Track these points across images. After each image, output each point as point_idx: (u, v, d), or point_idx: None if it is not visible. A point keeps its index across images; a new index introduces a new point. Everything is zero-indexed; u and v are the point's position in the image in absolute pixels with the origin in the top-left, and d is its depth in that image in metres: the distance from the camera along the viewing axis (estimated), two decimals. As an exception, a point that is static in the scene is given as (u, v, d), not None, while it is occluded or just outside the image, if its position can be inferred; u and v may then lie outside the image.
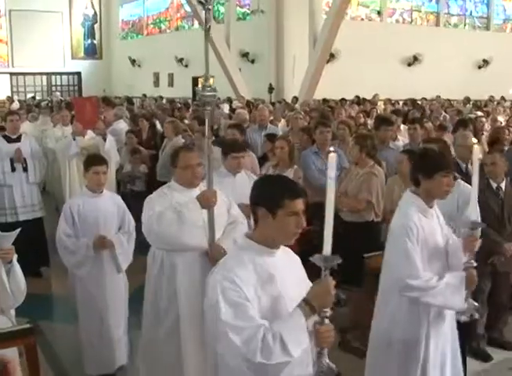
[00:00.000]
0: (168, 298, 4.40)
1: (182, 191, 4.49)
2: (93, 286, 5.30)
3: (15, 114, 8.47)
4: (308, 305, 2.62)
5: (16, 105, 21.81)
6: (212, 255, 4.25)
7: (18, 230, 3.91)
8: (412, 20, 28.66)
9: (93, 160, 5.38)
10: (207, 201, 4.22)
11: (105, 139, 8.42)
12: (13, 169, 7.87)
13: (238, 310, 2.58)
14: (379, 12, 27.59)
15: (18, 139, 8.07)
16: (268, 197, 2.81)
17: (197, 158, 4.56)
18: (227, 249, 4.15)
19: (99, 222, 5.26)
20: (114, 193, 6.28)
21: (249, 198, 2.93)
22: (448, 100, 19.42)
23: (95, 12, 35.89)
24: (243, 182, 5.58)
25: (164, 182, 9.22)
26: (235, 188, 5.36)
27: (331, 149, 2.94)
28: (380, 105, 18.43)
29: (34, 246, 7.75)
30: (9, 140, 8.03)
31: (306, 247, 6.30)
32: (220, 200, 4.37)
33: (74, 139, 8.35)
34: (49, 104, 21.69)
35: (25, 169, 7.96)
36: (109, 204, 5.39)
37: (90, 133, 8.78)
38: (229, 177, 5.72)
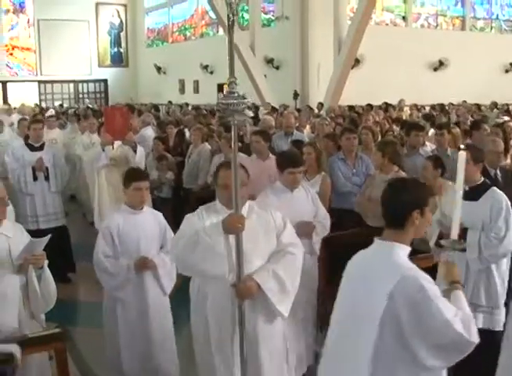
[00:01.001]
0: (203, 326, 4.04)
1: (221, 212, 3.98)
2: (135, 310, 4.94)
3: (38, 123, 8.40)
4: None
5: (51, 113, 21.98)
6: (238, 290, 3.76)
7: (49, 236, 3.98)
8: (437, 25, 28.46)
9: (134, 176, 5.03)
10: (231, 226, 3.71)
11: (135, 150, 8.13)
12: (35, 178, 7.87)
13: None
14: (404, 17, 27.46)
15: (41, 148, 8.05)
16: None
17: None
18: (262, 283, 3.82)
19: (139, 242, 4.91)
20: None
21: None
22: (477, 105, 19.20)
23: (122, 21, 36.22)
24: (301, 198, 5.37)
25: (190, 189, 9.35)
26: (292, 204, 5.15)
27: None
28: (406, 110, 18.35)
29: (60, 253, 7.66)
30: (32, 148, 8.02)
31: (334, 250, 6.33)
32: (266, 224, 4.01)
33: (103, 150, 8.07)
34: (76, 112, 21.97)
35: (47, 178, 7.96)
36: (151, 221, 5.03)
37: (117, 142, 8.64)
38: (286, 193, 5.33)
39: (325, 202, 6.69)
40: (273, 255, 3.99)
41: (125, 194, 5.00)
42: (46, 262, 4.02)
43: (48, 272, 4.02)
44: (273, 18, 25.49)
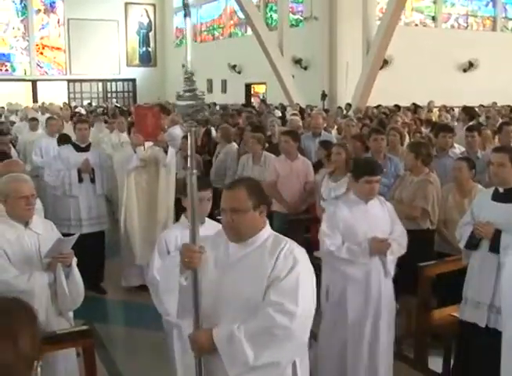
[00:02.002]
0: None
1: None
2: None
3: (84, 122, 8.09)
4: None
5: (80, 111, 22.14)
6: (192, 341, 3.01)
7: (77, 235, 4.01)
8: (467, 25, 28.17)
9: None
10: (185, 259, 2.98)
11: (166, 151, 7.54)
12: (80, 180, 7.56)
13: None
14: (434, 18, 27.23)
15: (87, 148, 7.78)
16: None
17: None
18: (216, 341, 2.89)
19: None
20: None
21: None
22: (509, 106, 18.94)
23: (150, 21, 36.47)
24: (376, 211, 4.85)
25: (217, 189, 9.26)
26: (366, 218, 4.74)
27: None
28: (435, 112, 18.20)
29: (94, 260, 7.42)
30: (77, 149, 7.74)
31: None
32: (259, 265, 2.98)
33: (135, 152, 7.49)
34: (104, 111, 22.15)
35: (92, 180, 7.63)
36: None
37: (148, 142, 8.07)
38: (359, 204, 4.78)
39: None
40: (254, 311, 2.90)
41: (184, 205, 4.16)
42: (75, 260, 4.04)
43: (76, 270, 4.06)
44: (302, 18, 25.46)
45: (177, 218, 5.96)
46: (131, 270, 7.65)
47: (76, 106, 25.44)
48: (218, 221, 3.42)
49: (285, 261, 2.95)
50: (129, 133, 7.68)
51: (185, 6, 3.02)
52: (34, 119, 12.90)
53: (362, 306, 4.76)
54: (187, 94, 3.19)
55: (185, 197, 3.44)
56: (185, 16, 3.02)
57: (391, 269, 4.85)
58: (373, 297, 4.76)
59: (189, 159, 3.03)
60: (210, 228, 3.85)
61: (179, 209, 5.48)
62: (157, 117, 7.57)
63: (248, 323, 2.86)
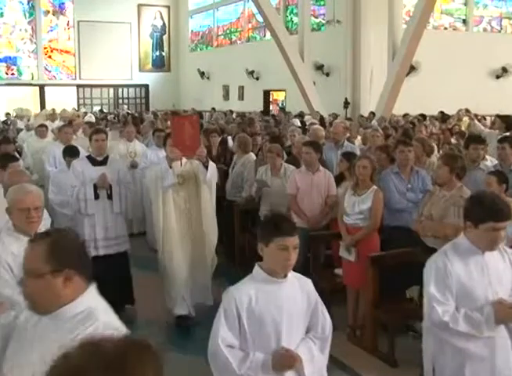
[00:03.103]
0: None
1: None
2: None
3: (101, 133, 7.68)
4: None
5: (89, 117, 22.12)
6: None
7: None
8: (501, 28, 27.99)
9: (281, 229, 3.44)
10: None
11: (206, 166, 6.85)
12: (97, 196, 7.25)
13: None
14: (464, 21, 27.10)
15: (104, 162, 7.48)
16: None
17: None
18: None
19: (280, 324, 3.53)
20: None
21: None
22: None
23: (164, 23, 36.72)
24: (496, 263, 3.99)
25: (234, 202, 9.20)
26: (485, 273, 3.92)
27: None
28: (465, 121, 18.10)
29: (119, 283, 7.15)
30: (93, 162, 7.43)
31: (383, 269, 6.29)
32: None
33: (171, 167, 6.88)
34: (116, 118, 22.28)
35: (110, 197, 7.33)
36: (296, 292, 3.62)
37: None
38: (475, 254, 3.92)
39: (377, 219, 6.65)
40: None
41: (261, 252, 3.54)
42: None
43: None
44: (324, 22, 25.53)
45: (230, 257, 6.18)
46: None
47: (86, 113, 25.52)
48: None
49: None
50: (164, 146, 7.19)
51: None
52: (43, 125, 13.02)
53: None
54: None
55: (266, 243, 3.45)
56: None
57: None
58: None
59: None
60: (293, 279, 3.65)
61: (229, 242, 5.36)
62: (196, 127, 7.04)
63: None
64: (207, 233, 7.16)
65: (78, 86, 34.60)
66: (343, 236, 6.81)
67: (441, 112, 18.84)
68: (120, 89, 35.70)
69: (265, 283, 3.51)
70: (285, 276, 3.53)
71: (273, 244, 3.41)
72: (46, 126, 13.03)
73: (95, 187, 7.25)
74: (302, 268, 7.56)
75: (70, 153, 8.61)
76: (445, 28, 26.70)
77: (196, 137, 6.86)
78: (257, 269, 3.57)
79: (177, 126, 6.97)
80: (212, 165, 6.96)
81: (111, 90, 35.47)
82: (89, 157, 7.54)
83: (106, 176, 7.26)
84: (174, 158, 6.84)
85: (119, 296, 6.92)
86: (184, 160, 6.96)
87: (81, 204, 7.22)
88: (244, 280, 3.59)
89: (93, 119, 21.31)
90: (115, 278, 6.95)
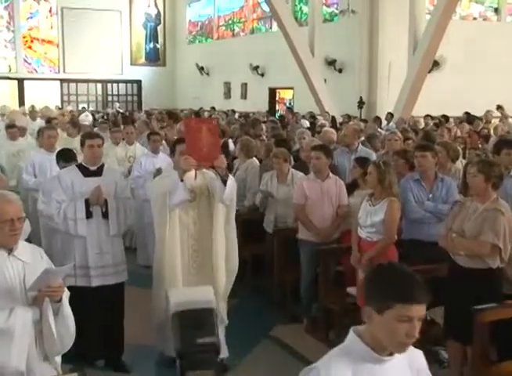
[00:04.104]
0: None
1: None
2: None
3: (96, 138, 6.85)
4: None
5: (85, 117, 21.55)
6: None
7: (71, 265, 4.02)
8: (539, 18, 27.86)
9: (410, 293, 2.70)
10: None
11: (224, 181, 6.27)
12: (89, 215, 6.50)
13: None
14: (496, 10, 26.98)
15: (98, 172, 6.72)
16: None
17: None
18: None
19: None
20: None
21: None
22: None
23: (159, 12, 36.84)
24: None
25: (236, 211, 9.16)
26: None
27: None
28: (495, 122, 18.06)
29: (112, 323, 6.66)
30: (85, 173, 6.66)
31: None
32: None
33: (182, 180, 6.20)
34: (104, 117, 22.27)
35: (105, 215, 6.57)
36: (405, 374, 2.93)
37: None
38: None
39: (391, 231, 6.61)
40: None
41: (367, 320, 2.78)
42: (67, 293, 4.05)
43: (67, 307, 4.02)
44: (337, 12, 25.56)
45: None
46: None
47: (72, 111, 25.07)
48: None
49: None
50: (172, 153, 6.69)
51: None
52: (13, 126, 12.38)
53: None
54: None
55: (380, 308, 2.69)
56: None
57: None
58: None
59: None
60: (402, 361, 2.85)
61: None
62: (216, 134, 6.59)
63: None
64: (218, 264, 6.57)
65: (62, 81, 34.70)
66: (352, 253, 6.83)
67: (467, 113, 18.80)
68: (109, 85, 35.84)
69: (365, 362, 2.78)
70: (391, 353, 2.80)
71: (393, 312, 2.69)
72: (16, 127, 12.37)
73: (88, 203, 6.50)
74: (310, 286, 7.65)
75: (66, 157, 8.08)
76: (474, 18, 26.58)
77: (215, 145, 6.42)
78: (355, 339, 2.82)
79: (193, 132, 6.41)
80: (232, 180, 6.39)
81: (99, 86, 35.58)
82: (80, 167, 6.78)
83: (100, 190, 6.51)
84: (187, 169, 6.21)
85: (112, 343, 6.66)
86: (194, 170, 6.43)
87: (70, 223, 6.48)
88: (335, 354, 2.84)
89: (90, 119, 20.92)
90: (108, 317, 6.57)
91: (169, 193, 6.21)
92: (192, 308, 5.65)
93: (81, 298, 5.38)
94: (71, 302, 4.05)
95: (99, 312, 6.46)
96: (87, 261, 6.50)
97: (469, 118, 17.81)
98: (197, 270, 6.54)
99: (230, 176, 6.38)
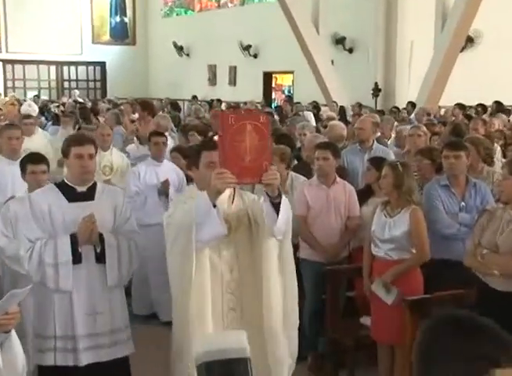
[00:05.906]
0: None
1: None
2: None
3: (87, 144, 5.71)
4: None
5: (28, 107, 20.11)
6: None
7: (29, 287, 4.06)
8: None
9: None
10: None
11: (274, 204, 4.92)
12: (77, 259, 5.50)
13: None
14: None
15: (89, 195, 5.76)
16: None
17: None
18: None
19: None
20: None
21: None
22: None
23: (127, -22, 36.86)
24: None
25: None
26: None
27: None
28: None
29: None
30: (71, 196, 5.67)
31: (425, 317, 6.29)
32: None
33: (215, 206, 4.75)
34: (59, 107, 22.10)
35: (100, 258, 5.59)
36: None
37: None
38: None
39: (423, 246, 6.55)
40: None
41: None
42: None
43: (15, 338, 4.07)
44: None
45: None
46: None
47: (18, 99, 24.68)
48: None
49: None
50: (193, 165, 5.38)
51: None
52: None
53: None
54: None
55: None
56: None
57: None
58: None
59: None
60: None
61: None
62: (266, 135, 5.07)
63: None
64: (272, 327, 5.40)
65: (5, 62, 34.52)
66: (364, 278, 6.82)
67: (497, 102, 18.61)
68: (65, 68, 35.76)
69: None
70: None
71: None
72: None
73: (75, 241, 5.48)
74: (314, 316, 7.63)
75: (34, 159, 6.99)
76: (517, -15, 26.70)
77: (264, 152, 5.02)
78: None
79: (232, 132, 4.96)
80: (286, 204, 5.09)
81: (52, 68, 35.44)
82: (62, 186, 5.79)
83: (93, 221, 5.53)
84: (221, 189, 4.82)
85: None
86: (229, 190, 5.20)
87: (48, 272, 5.45)
88: None
89: (35, 109, 19.97)
90: None
91: (195, 224, 4.89)
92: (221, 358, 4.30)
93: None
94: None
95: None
96: (72, 328, 5.54)
97: (498, 108, 17.70)
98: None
99: (283, 197, 5.04)
